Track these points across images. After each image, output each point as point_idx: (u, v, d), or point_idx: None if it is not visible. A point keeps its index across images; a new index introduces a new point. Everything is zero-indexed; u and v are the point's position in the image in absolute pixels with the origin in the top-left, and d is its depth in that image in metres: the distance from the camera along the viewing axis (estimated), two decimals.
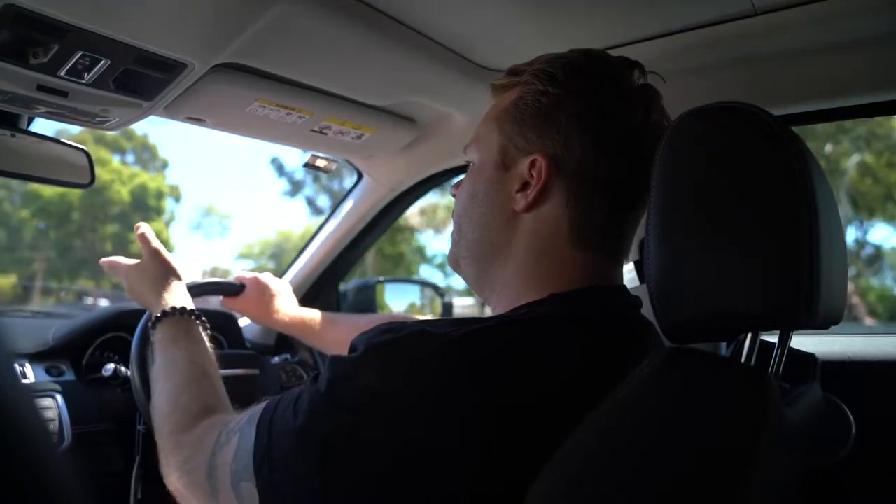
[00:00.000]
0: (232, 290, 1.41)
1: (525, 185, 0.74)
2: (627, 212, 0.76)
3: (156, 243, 1.13)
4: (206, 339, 1.00)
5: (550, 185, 0.73)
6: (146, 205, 17.90)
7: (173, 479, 0.78)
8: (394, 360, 0.62)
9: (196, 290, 1.30)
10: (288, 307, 1.39)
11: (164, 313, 1.00)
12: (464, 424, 0.58)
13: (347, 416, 0.61)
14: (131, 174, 18.12)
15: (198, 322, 1.02)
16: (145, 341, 1.07)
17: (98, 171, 1.21)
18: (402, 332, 0.64)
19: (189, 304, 1.04)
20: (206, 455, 0.73)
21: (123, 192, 17.49)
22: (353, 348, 0.67)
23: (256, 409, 0.71)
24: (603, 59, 0.77)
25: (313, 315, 1.38)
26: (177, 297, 1.05)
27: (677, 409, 0.53)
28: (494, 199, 0.77)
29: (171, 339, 0.97)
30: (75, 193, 14.11)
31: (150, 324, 1.01)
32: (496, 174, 0.77)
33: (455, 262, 0.83)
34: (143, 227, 1.15)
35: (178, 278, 1.10)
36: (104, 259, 1.18)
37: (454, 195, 0.85)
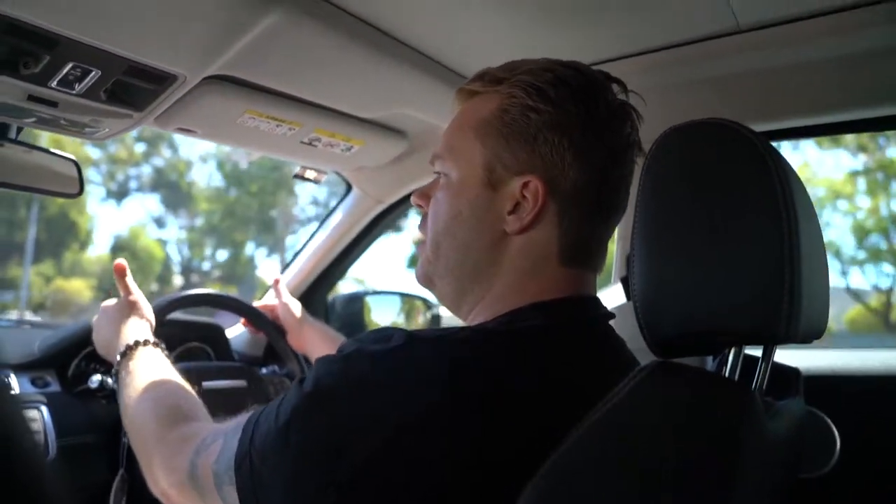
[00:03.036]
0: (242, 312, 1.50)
1: (517, 207, 0.72)
2: (607, 229, 0.76)
3: (130, 282, 1.18)
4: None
5: (545, 207, 0.71)
6: None
7: (160, 480, 0.78)
8: (380, 360, 0.62)
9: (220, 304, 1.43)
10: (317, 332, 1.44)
11: (129, 347, 1.03)
12: (449, 425, 0.58)
13: (330, 409, 0.61)
14: None
15: (163, 352, 1.05)
16: None
17: None
18: (393, 338, 0.64)
19: (147, 335, 1.08)
20: (188, 454, 0.74)
21: None
22: (341, 349, 0.66)
23: (243, 416, 0.71)
24: (589, 74, 0.75)
25: (338, 338, 1.41)
26: (139, 331, 1.09)
27: (661, 422, 0.53)
28: (482, 219, 0.73)
29: (143, 366, 0.99)
30: None
31: (116, 364, 1.03)
32: (483, 193, 0.73)
33: (427, 279, 0.80)
34: (121, 262, 1.19)
35: (141, 315, 1.15)
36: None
37: (419, 206, 0.82)
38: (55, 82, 0.90)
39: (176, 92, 1.01)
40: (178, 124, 1.17)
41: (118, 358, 1.02)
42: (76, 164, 1.19)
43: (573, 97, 0.71)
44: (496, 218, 0.73)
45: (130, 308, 1.15)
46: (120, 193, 20.00)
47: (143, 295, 1.19)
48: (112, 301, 1.18)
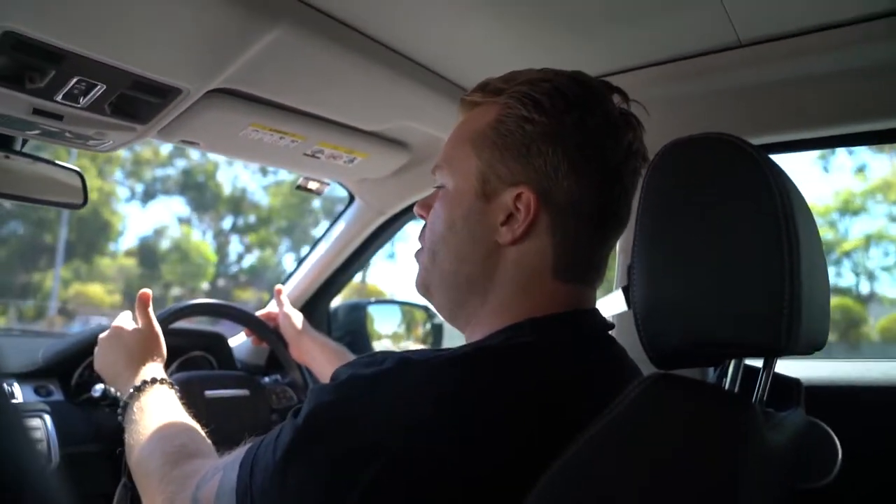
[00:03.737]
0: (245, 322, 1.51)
1: (510, 218, 0.71)
2: (609, 240, 0.75)
3: (151, 313, 1.14)
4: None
5: (537, 218, 0.70)
6: None
7: None
8: (377, 389, 0.62)
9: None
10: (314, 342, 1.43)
11: (144, 383, 1.00)
12: (445, 452, 0.58)
13: (325, 442, 0.60)
14: None
15: (173, 390, 1.02)
16: None
17: None
18: (385, 363, 0.63)
19: (163, 374, 1.05)
20: (190, 490, 0.73)
21: None
22: (334, 377, 0.66)
23: (241, 450, 0.71)
24: (588, 84, 0.74)
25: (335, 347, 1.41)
26: (156, 369, 1.06)
27: (662, 434, 0.54)
28: (475, 230, 0.73)
29: (155, 404, 0.96)
30: None
31: (128, 396, 0.99)
32: (477, 204, 0.73)
33: (424, 287, 0.80)
34: (146, 291, 1.16)
35: (160, 353, 1.11)
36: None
37: (421, 216, 0.82)
38: (60, 96, 0.91)
39: (180, 105, 1.02)
40: (182, 136, 1.18)
41: (131, 390, 0.99)
42: (80, 174, 1.20)
43: (569, 108, 0.71)
44: (489, 229, 0.73)
45: (150, 342, 1.10)
46: (146, 195, 19.75)
47: (160, 329, 1.15)
48: (123, 324, 1.14)
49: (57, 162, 1.16)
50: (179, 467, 0.79)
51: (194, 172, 19.42)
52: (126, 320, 1.15)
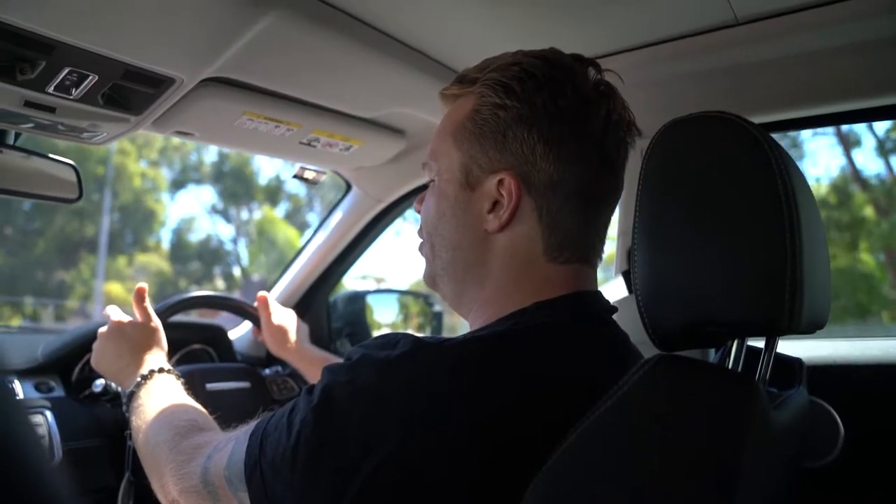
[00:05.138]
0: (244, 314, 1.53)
1: (495, 205, 0.72)
2: (598, 217, 0.75)
3: (149, 307, 1.16)
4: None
5: (521, 202, 0.71)
6: None
7: (170, 489, 0.78)
8: (390, 367, 0.62)
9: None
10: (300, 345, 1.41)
11: (151, 372, 1.02)
12: (457, 431, 0.58)
13: (339, 421, 0.61)
14: None
15: (179, 381, 1.03)
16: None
17: None
18: (399, 345, 0.64)
19: (167, 365, 1.06)
20: (201, 459, 0.74)
21: None
22: (348, 357, 0.67)
23: (252, 423, 0.71)
24: (559, 61, 0.74)
25: (322, 356, 1.40)
26: (159, 360, 1.08)
27: (665, 414, 0.54)
28: (463, 220, 0.75)
29: (161, 389, 0.98)
30: None
31: (134, 385, 1.01)
32: (462, 194, 0.74)
33: (431, 279, 0.82)
34: (143, 285, 1.18)
35: (161, 345, 1.13)
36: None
37: (418, 211, 0.83)
38: (52, 87, 0.90)
39: (173, 95, 1.01)
40: (176, 127, 1.17)
41: (138, 380, 1.00)
42: (75, 168, 1.19)
43: (539, 89, 0.71)
44: (477, 218, 0.74)
45: (151, 335, 1.12)
46: (174, 184, 17.61)
47: (160, 322, 1.17)
48: (121, 319, 1.14)
49: (51, 156, 1.15)
50: (190, 439, 0.81)
51: (228, 160, 17.40)
52: (122, 315, 1.15)
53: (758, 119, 1.11)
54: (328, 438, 0.61)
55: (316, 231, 1.82)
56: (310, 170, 1.57)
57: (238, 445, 0.69)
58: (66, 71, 0.87)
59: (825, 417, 1.00)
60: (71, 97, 0.93)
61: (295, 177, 1.57)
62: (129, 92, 0.97)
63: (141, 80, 0.94)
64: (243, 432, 0.71)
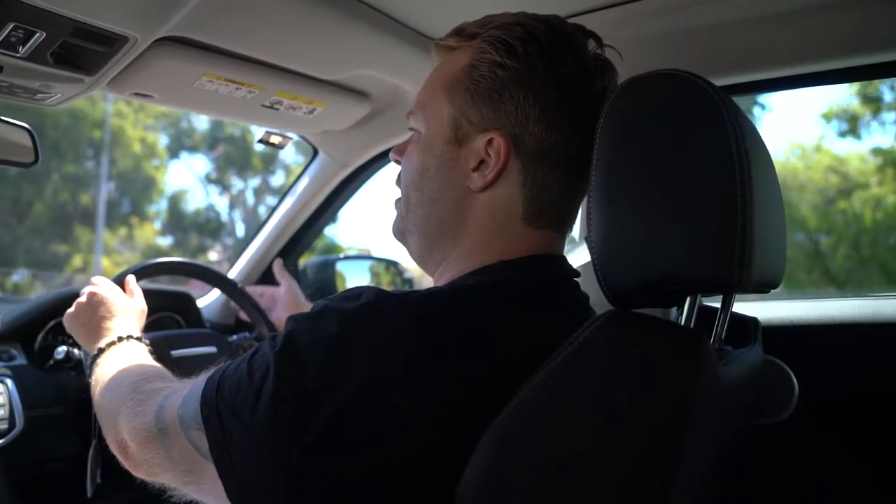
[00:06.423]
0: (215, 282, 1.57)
1: (481, 164, 0.72)
2: (579, 186, 0.76)
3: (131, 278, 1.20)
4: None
5: (508, 164, 0.71)
6: None
7: (121, 428, 0.78)
8: (351, 318, 0.62)
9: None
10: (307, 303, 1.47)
11: (119, 338, 1.00)
12: (414, 382, 0.59)
13: (301, 366, 0.61)
14: None
15: (143, 343, 1.02)
16: None
17: None
18: (362, 297, 0.64)
19: (137, 332, 1.05)
20: (158, 398, 0.75)
21: None
22: (313, 308, 0.66)
23: (211, 369, 0.71)
24: (562, 28, 0.74)
25: None
26: (132, 327, 1.07)
27: (613, 368, 0.54)
28: (447, 176, 0.74)
29: (126, 351, 0.97)
30: None
31: (92, 358, 0.99)
32: (448, 150, 0.74)
33: (400, 233, 0.82)
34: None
35: (139, 314, 1.13)
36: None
37: (396, 161, 0.83)
38: None
39: (128, 55, 0.98)
40: (134, 89, 1.14)
41: (108, 341, 0.99)
42: (30, 131, 1.16)
43: (541, 53, 0.71)
44: (461, 175, 0.73)
45: (133, 309, 1.12)
46: (170, 150, 15.84)
47: (141, 292, 1.18)
48: (102, 285, 1.13)
49: (3, 118, 1.12)
50: (151, 383, 0.80)
51: (225, 125, 15.37)
52: (110, 284, 1.14)
53: (729, 81, 1.11)
54: (289, 385, 0.61)
55: (282, 199, 1.80)
56: (275, 134, 1.55)
57: (195, 387, 0.69)
58: (10, 27, 0.84)
59: (781, 376, 1.02)
60: (18, 55, 0.90)
61: (260, 141, 1.55)
62: (81, 51, 0.94)
63: (92, 38, 0.91)
64: (201, 377, 0.71)
